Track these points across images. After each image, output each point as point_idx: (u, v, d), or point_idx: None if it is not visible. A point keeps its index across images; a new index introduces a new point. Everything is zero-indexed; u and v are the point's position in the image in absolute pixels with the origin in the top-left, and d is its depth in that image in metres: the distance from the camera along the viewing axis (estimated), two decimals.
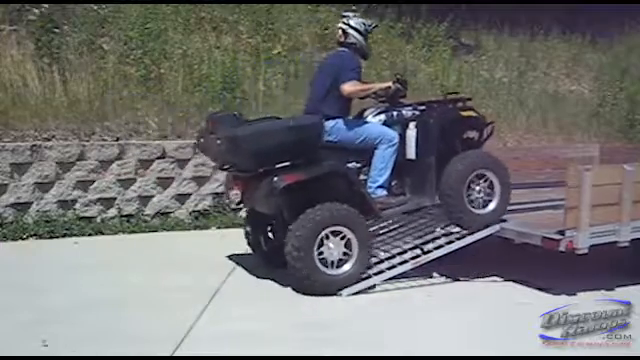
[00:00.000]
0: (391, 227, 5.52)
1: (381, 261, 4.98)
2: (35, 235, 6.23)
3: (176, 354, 3.58)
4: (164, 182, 7.01)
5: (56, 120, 6.87)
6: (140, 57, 7.92)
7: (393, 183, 5.16)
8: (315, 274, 4.55)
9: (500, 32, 11.33)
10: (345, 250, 4.67)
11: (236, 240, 6.38)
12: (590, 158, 7.15)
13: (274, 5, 9.82)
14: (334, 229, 4.63)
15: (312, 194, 4.66)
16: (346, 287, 4.63)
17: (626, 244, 4.84)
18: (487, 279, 5.15)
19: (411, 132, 5.15)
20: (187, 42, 8.55)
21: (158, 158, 6.98)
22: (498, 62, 11.08)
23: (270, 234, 5.36)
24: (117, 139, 6.91)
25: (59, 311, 4.19)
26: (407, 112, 5.27)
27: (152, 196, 6.97)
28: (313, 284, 4.57)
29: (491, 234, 5.05)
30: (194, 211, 7.14)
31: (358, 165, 5.13)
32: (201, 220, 7.08)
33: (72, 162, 6.58)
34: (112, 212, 6.76)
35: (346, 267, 4.67)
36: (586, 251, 4.60)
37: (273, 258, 5.12)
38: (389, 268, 4.86)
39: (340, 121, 5.00)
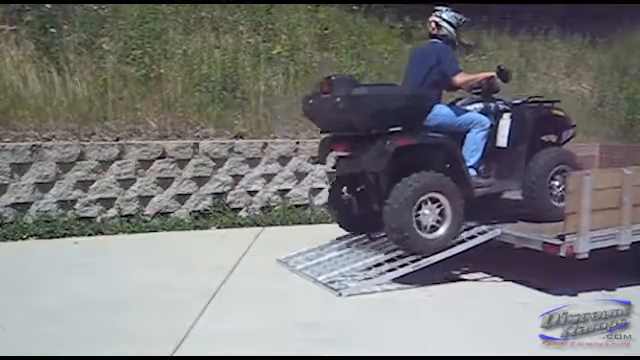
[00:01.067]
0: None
1: (381, 264, 5.01)
2: (35, 235, 6.23)
3: (176, 354, 3.58)
4: (164, 182, 7.02)
5: (56, 120, 6.88)
6: (140, 57, 7.92)
7: (482, 168, 5.42)
8: (412, 236, 4.82)
9: (500, 32, 11.33)
10: (438, 218, 4.93)
11: (236, 240, 6.42)
12: (590, 157, 7.14)
13: (274, 5, 9.82)
14: (432, 196, 4.90)
15: (415, 161, 4.93)
16: (439, 252, 4.88)
17: (626, 247, 4.84)
18: (487, 279, 5.16)
19: (505, 122, 5.47)
20: (187, 42, 8.56)
21: (158, 158, 6.98)
22: (498, 62, 11.06)
23: (361, 199, 5.44)
24: (117, 139, 6.91)
25: (59, 311, 4.19)
26: (501, 105, 5.58)
27: (152, 196, 6.97)
28: (410, 245, 4.86)
29: (492, 239, 5.06)
30: (194, 211, 7.14)
31: None
32: (201, 220, 7.09)
33: (72, 162, 6.58)
34: (112, 212, 6.76)
35: (440, 232, 4.94)
36: (586, 256, 4.60)
37: (361, 223, 5.51)
38: (389, 270, 4.88)
39: (437, 106, 5.21)
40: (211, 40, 8.86)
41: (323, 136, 5.48)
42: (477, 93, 5.62)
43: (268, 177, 7.58)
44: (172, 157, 7.05)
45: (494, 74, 5.44)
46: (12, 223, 6.25)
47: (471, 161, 5.29)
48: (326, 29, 9.98)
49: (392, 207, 4.79)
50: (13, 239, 6.13)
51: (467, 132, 5.30)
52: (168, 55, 8.20)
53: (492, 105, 5.53)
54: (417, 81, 5.29)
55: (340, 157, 5.39)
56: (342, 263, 5.17)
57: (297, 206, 7.64)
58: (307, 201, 7.74)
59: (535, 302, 4.49)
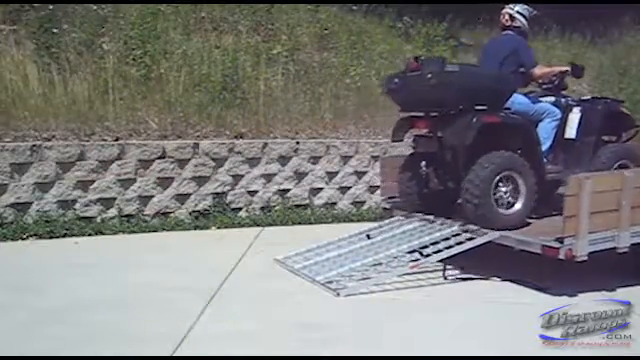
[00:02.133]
0: (393, 231, 5.59)
1: (380, 263, 5.01)
2: (35, 235, 6.23)
3: (176, 354, 3.58)
4: (164, 182, 7.02)
5: (56, 120, 6.88)
6: (140, 57, 7.92)
7: (551, 156, 5.70)
8: (491, 212, 5.05)
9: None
10: (514, 195, 5.16)
11: (236, 240, 6.42)
12: None
13: (274, 5, 9.82)
14: (508, 174, 5.13)
15: (495, 140, 5.12)
16: (514, 228, 5.08)
17: (625, 250, 4.84)
18: (486, 279, 5.15)
19: (575, 115, 5.77)
20: (187, 42, 8.56)
21: (158, 158, 6.98)
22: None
23: (436, 177, 5.67)
24: (117, 139, 6.91)
25: (59, 311, 4.19)
26: (569, 100, 5.89)
27: (152, 196, 6.97)
28: (488, 220, 5.06)
29: (490, 241, 5.07)
30: (194, 211, 7.14)
31: None
32: (201, 220, 7.09)
33: (72, 162, 6.58)
34: (112, 212, 6.76)
35: (516, 207, 5.17)
36: (585, 258, 4.61)
37: (431, 200, 5.67)
38: (388, 271, 4.89)
39: (515, 94, 5.46)
40: (211, 40, 8.86)
41: (402, 115, 5.64)
42: (547, 89, 5.88)
43: (268, 177, 7.58)
44: (172, 157, 7.05)
45: (568, 69, 5.76)
46: (12, 223, 6.25)
47: (542, 148, 5.52)
48: (326, 29, 9.99)
49: (472, 183, 5.02)
50: (13, 239, 6.13)
51: (539, 121, 5.57)
52: (168, 55, 8.20)
53: (562, 100, 5.83)
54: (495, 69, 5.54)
55: (418, 136, 5.61)
56: (341, 263, 5.17)
57: (297, 206, 7.64)
58: (307, 201, 7.74)
59: (535, 302, 4.49)
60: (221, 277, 5.05)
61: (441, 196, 5.64)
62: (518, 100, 5.50)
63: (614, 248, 4.82)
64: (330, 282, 4.83)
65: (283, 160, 7.66)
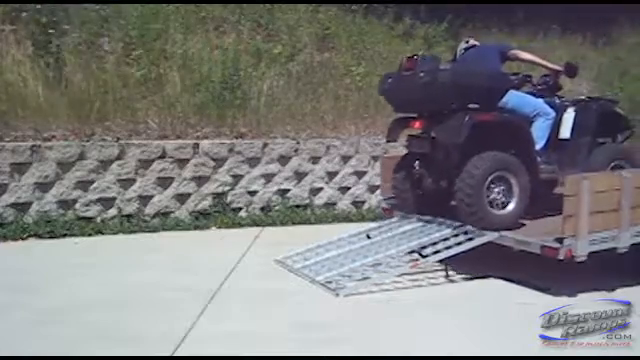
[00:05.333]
0: (392, 231, 5.59)
1: (380, 263, 5.01)
2: (35, 235, 6.24)
3: (176, 354, 3.58)
4: (164, 182, 7.02)
5: (56, 120, 6.87)
6: (140, 57, 7.92)
7: (545, 156, 5.58)
8: (483, 212, 5.03)
9: (500, 32, 11.33)
10: (507, 195, 5.13)
11: (236, 240, 6.42)
12: None
13: (274, 5, 9.82)
14: (502, 174, 5.10)
15: (488, 140, 5.07)
16: (507, 229, 5.06)
17: (625, 250, 4.84)
18: (487, 279, 5.15)
19: (569, 115, 5.72)
20: (187, 42, 8.55)
21: (158, 158, 6.98)
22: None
23: (430, 176, 5.60)
24: (117, 139, 6.91)
25: (59, 311, 4.19)
26: (564, 101, 5.85)
27: (152, 196, 6.97)
28: (481, 221, 5.05)
29: (490, 241, 5.07)
30: (194, 211, 7.14)
31: None
32: (201, 220, 7.09)
33: (72, 162, 6.58)
34: (112, 212, 6.76)
35: (509, 208, 5.14)
36: (585, 258, 4.61)
37: (426, 202, 5.67)
38: (388, 271, 4.89)
39: (510, 92, 5.41)
40: (211, 40, 8.86)
41: (397, 115, 5.64)
42: (541, 89, 5.82)
43: (268, 177, 7.58)
44: (172, 157, 7.05)
45: (561, 69, 5.73)
46: (12, 223, 6.25)
47: (536, 147, 5.47)
48: (326, 29, 9.99)
49: (465, 183, 4.99)
50: (13, 239, 6.13)
51: (533, 120, 5.52)
52: (168, 55, 8.20)
53: (556, 100, 5.79)
54: (493, 67, 5.54)
55: (411, 136, 5.57)
56: (340, 263, 5.17)
57: (297, 206, 7.64)
58: (307, 201, 7.74)
59: (535, 302, 4.49)
60: (221, 277, 5.05)
61: (435, 196, 5.60)
62: (513, 97, 5.43)
63: (614, 248, 4.82)
64: (330, 282, 4.84)
65: (283, 160, 7.66)
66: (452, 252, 4.98)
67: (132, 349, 3.59)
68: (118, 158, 6.79)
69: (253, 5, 9.72)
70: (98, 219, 6.68)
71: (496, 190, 5.09)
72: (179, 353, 3.60)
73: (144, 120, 7.36)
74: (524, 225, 5.24)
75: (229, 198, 7.35)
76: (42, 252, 5.83)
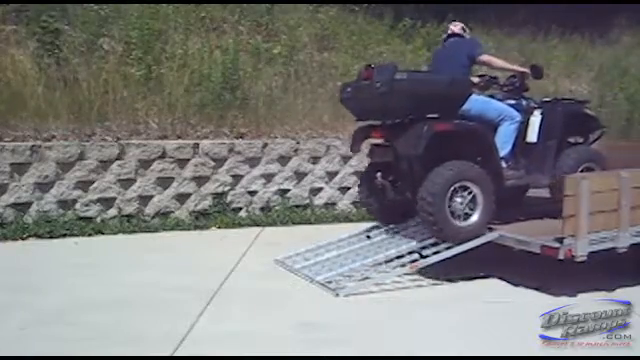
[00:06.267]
0: (392, 231, 5.60)
1: (380, 264, 5.01)
2: (35, 235, 6.24)
3: (176, 354, 3.58)
4: (164, 182, 7.02)
5: (56, 120, 6.87)
6: (140, 57, 7.92)
7: (511, 161, 5.49)
8: (446, 224, 4.90)
9: (500, 32, 11.33)
10: (471, 205, 5.00)
11: (236, 240, 6.42)
12: None
13: (274, 5, 9.82)
14: (464, 184, 4.96)
15: (450, 149, 4.99)
16: (470, 239, 4.96)
17: (624, 250, 4.84)
18: (487, 279, 5.15)
19: (535, 118, 5.58)
20: (187, 42, 8.55)
21: (158, 158, 6.98)
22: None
23: (394, 186, 5.47)
24: (117, 139, 6.91)
25: (59, 311, 4.19)
26: (531, 102, 5.71)
27: (152, 196, 6.97)
28: (444, 233, 4.95)
29: (489, 241, 5.07)
30: (194, 211, 7.14)
31: None
32: (201, 220, 7.09)
33: (72, 162, 6.58)
34: (112, 212, 6.76)
35: (472, 219, 5.00)
36: (585, 258, 4.61)
37: (391, 212, 5.60)
38: (387, 271, 4.89)
39: (473, 97, 5.28)
40: (211, 40, 8.86)
41: (359, 124, 5.54)
42: (508, 91, 5.72)
43: (268, 177, 7.58)
44: (172, 157, 7.05)
45: (527, 70, 5.61)
46: (12, 223, 6.25)
47: (502, 153, 5.38)
48: (326, 29, 9.99)
49: (426, 194, 4.88)
50: (13, 239, 6.13)
51: (498, 125, 5.40)
52: (168, 55, 8.20)
53: (523, 102, 5.67)
54: (452, 71, 5.38)
55: (374, 145, 5.47)
56: (340, 263, 5.17)
57: (297, 206, 7.64)
58: (307, 201, 7.74)
59: (535, 302, 4.49)
60: (221, 277, 5.05)
61: (401, 207, 5.47)
62: (476, 102, 5.30)
63: (614, 248, 4.82)
64: (330, 282, 4.84)
65: (283, 160, 7.66)
66: (452, 252, 4.98)
67: (132, 349, 3.59)
68: (118, 158, 6.79)
69: (253, 5, 9.71)
70: (98, 219, 6.68)
71: (459, 200, 4.95)
72: (179, 353, 3.60)
73: (144, 120, 7.36)
74: (523, 225, 5.24)
75: (229, 198, 7.35)
76: (42, 252, 5.83)
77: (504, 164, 5.39)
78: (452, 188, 4.90)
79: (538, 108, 5.63)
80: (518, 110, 5.53)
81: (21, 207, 6.36)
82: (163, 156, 7.01)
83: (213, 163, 7.27)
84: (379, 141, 5.34)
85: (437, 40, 10.74)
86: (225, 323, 4.09)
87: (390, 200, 5.49)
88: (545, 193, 5.87)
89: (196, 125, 7.58)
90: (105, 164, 6.74)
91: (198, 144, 7.22)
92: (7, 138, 6.48)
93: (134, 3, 8.61)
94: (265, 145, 7.58)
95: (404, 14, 10.87)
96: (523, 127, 5.54)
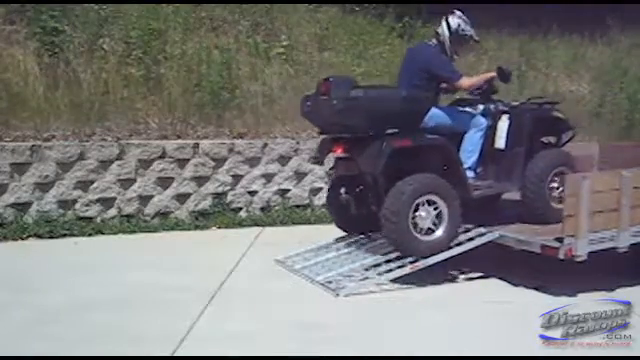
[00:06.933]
0: None
1: (379, 264, 5.01)
2: (35, 235, 6.24)
3: (176, 354, 3.58)
4: (164, 182, 7.02)
5: (56, 120, 6.88)
6: (140, 57, 7.92)
7: (479, 169, 5.38)
8: (408, 239, 4.81)
9: (500, 32, 11.32)
10: (435, 220, 4.90)
11: (236, 240, 6.42)
12: (590, 157, 7.13)
13: (274, 5, 9.82)
14: (428, 198, 4.87)
15: (412, 164, 4.91)
16: (436, 254, 4.86)
17: (625, 249, 4.84)
18: (486, 279, 5.15)
19: (503, 123, 5.41)
20: (187, 42, 8.55)
21: (158, 158, 6.98)
22: (498, 62, 11.05)
23: (359, 200, 5.38)
24: (117, 139, 6.91)
25: (59, 311, 4.19)
26: (500, 106, 5.54)
27: (152, 196, 6.97)
28: (406, 248, 4.86)
29: (490, 241, 5.06)
30: (194, 211, 7.14)
31: None
32: (201, 220, 7.09)
33: (72, 162, 6.58)
34: (112, 212, 6.76)
35: (437, 234, 4.91)
36: (585, 258, 4.61)
37: (358, 224, 5.49)
38: (387, 271, 4.89)
39: (433, 109, 5.20)
40: (211, 40, 8.86)
41: (322, 136, 5.45)
42: (479, 94, 5.61)
43: (268, 177, 7.58)
44: (172, 157, 7.05)
45: (495, 74, 5.45)
46: (12, 223, 6.25)
47: (468, 162, 5.28)
48: (326, 29, 9.98)
49: (388, 210, 4.78)
50: (13, 239, 6.13)
51: (464, 134, 5.29)
52: (168, 55, 8.20)
53: (491, 106, 5.52)
54: (412, 83, 5.26)
55: (338, 158, 5.35)
56: (340, 263, 5.17)
57: (297, 206, 7.64)
58: (307, 201, 7.73)
59: (535, 302, 4.49)
60: (221, 277, 5.05)
61: (366, 221, 5.31)
62: (437, 114, 5.23)
63: (614, 248, 4.82)
64: (330, 282, 4.84)
65: (283, 160, 7.66)
66: (453, 252, 4.97)
67: (132, 349, 3.59)
68: (118, 158, 6.79)
69: (253, 5, 9.71)
70: (98, 219, 6.68)
71: (423, 215, 4.85)
72: (179, 353, 3.60)
73: (144, 120, 7.36)
74: (523, 225, 5.23)
75: (229, 198, 7.35)
76: (42, 252, 5.83)
77: (472, 174, 5.28)
78: (415, 203, 4.81)
79: (506, 113, 5.46)
80: (485, 115, 5.41)
81: (21, 207, 6.36)
82: (163, 156, 7.01)
83: (213, 163, 7.27)
84: (341, 155, 5.17)
85: None
86: (225, 323, 4.09)
87: (355, 215, 5.38)
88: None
89: (196, 125, 7.58)
90: (105, 164, 6.74)
91: (198, 144, 7.22)
92: (7, 138, 6.48)
93: (134, 3, 8.61)
94: (265, 145, 7.58)
95: (404, 14, 10.86)
96: (491, 133, 5.40)
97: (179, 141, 7.20)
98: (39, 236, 6.24)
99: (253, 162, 7.49)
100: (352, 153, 5.02)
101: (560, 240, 4.57)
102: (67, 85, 7.26)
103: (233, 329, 3.97)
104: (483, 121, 5.36)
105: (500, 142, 5.39)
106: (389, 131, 4.90)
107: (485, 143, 5.36)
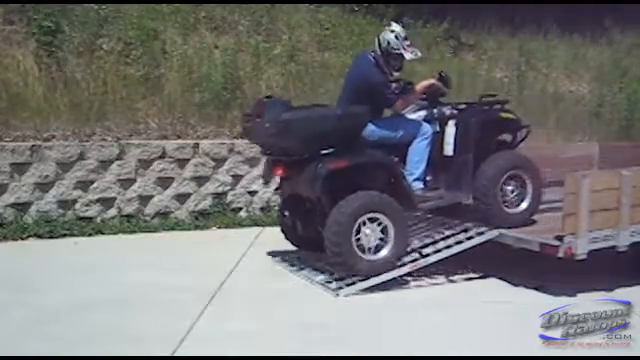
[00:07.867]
0: None
1: None
2: (35, 235, 6.23)
3: (176, 354, 3.58)
4: (164, 182, 7.02)
5: (56, 120, 6.87)
6: (140, 57, 7.92)
7: (429, 178, 5.24)
8: (353, 259, 4.67)
9: (500, 32, 11.33)
10: (381, 236, 4.78)
11: (236, 240, 6.41)
12: (589, 157, 7.14)
13: (274, 5, 9.82)
14: (371, 216, 4.74)
15: (353, 182, 4.80)
16: (382, 273, 4.73)
17: (624, 248, 4.84)
18: (486, 279, 5.15)
19: (450, 129, 5.24)
20: (187, 42, 8.55)
21: (158, 158, 6.97)
22: (498, 62, 11.07)
23: (306, 220, 5.32)
24: (117, 139, 6.91)
25: (59, 311, 4.20)
26: (446, 110, 5.36)
27: (152, 196, 6.97)
28: (350, 268, 4.71)
29: (490, 240, 5.06)
30: (194, 211, 7.14)
31: (396, 160, 5.19)
32: (201, 220, 7.08)
33: (72, 162, 6.58)
34: (112, 212, 6.76)
35: (383, 252, 4.79)
36: (585, 256, 4.61)
37: (308, 243, 5.35)
38: (387, 271, 4.87)
39: (371, 125, 5.04)
40: (211, 40, 8.86)
41: (266, 157, 5.37)
42: (423, 99, 5.41)
43: None
44: (172, 157, 7.05)
45: (433, 82, 5.32)
46: (12, 223, 6.25)
47: (416, 173, 5.13)
48: (326, 29, 9.98)
49: (330, 230, 4.67)
50: (13, 239, 6.13)
51: (408, 144, 5.14)
52: (168, 55, 8.20)
53: (437, 111, 5.34)
54: (348, 97, 5.16)
55: (282, 179, 5.27)
56: None
57: None
58: None
59: (535, 302, 4.49)
60: (221, 277, 5.05)
61: (316, 241, 5.05)
62: (377, 126, 5.06)
63: (614, 247, 4.81)
64: (329, 282, 4.84)
65: None
66: (453, 251, 4.97)
67: (132, 349, 3.59)
68: (118, 158, 6.78)
69: (253, 5, 9.71)
70: (98, 219, 6.68)
71: (368, 232, 4.72)
72: (179, 353, 3.60)
73: (144, 120, 7.36)
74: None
75: (229, 198, 7.34)
76: (42, 252, 5.83)
77: (421, 184, 5.14)
78: (359, 221, 4.68)
79: (453, 117, 5.29)
80: (430, 121, 5.25)
81: (21, 207, 6.35)
82: (163, 156, 7.00)
83: (213, 163, 7.26)
84: (281, 175, 5.14)
85: (437, 40, 10.77)
86: (225, 323, 4.09)
87: (303, 235, 5.34)
88: None
89: (196, 125, 7.58)
90: (105, 164, 6.74)
91: (198, 144, 7.21)
92: (7, 138, 6.48)
93: (134, 3, 8.61)
94: None
95: (405, 14, 10.86)
96: (439, 139, 5.23)
97: (179, 141, 7.20)
98: (39, 236, 6.24)
99: (253, 162, 7.48)
100: (291, 175, 4.95)
101: (560, 239, 4.57)
102: (67, 85, 7.26)
103: (233, 329, 3.97)
104: (428, 128, 5.18)
105: (448, 149, 5.21)
106: (326, 151, 4.79)
107: (433, 150, 5.19)
